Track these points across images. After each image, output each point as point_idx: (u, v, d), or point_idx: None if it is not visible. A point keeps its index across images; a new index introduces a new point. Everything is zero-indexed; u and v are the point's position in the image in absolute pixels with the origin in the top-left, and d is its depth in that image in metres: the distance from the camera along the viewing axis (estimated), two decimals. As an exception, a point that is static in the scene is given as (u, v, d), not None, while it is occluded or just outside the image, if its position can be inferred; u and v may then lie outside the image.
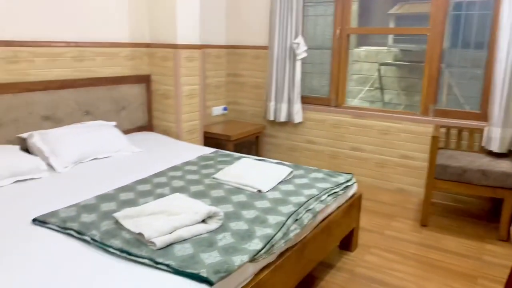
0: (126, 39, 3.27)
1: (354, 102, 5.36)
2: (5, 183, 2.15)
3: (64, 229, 1.67)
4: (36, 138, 2.54)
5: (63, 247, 1.55)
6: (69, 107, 2.87)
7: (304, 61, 4.10)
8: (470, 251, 2.64)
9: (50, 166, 2.45)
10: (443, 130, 3.34)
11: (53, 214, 1.79)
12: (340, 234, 2.37)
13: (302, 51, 3.79)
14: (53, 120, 2.78)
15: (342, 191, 2.32)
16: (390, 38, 5.02)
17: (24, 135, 2.59)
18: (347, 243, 2.60)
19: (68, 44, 2.85)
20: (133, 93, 3.34)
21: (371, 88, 5.34)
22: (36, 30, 2.66)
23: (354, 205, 2.50)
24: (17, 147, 2.43)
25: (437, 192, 3.45)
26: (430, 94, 3.46)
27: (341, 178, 2.42)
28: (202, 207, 1.73)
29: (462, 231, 2.93)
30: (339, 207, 2.33)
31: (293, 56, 3.85)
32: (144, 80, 3.43)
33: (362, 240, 2.76)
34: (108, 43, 3.12)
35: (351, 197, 2.49)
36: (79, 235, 1.63)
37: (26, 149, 2.56)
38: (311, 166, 4.05)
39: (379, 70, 5.17)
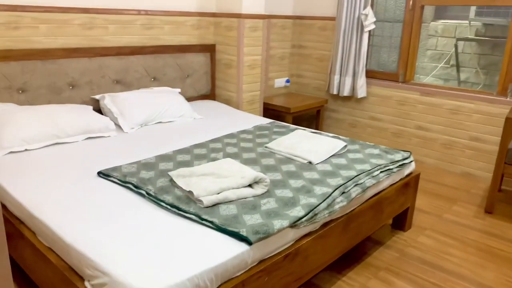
0: (193, 9, 3.36)
1: (426, 79, 5.06)
2: (78, 139, 2.37)
3: (124, 183, 1.82)
4: (107, 100, 2.75)
5: (121, 199, 1.69)
6: (138, 73, 3.05)
7: (372, 33, 3.94)
8: (538, 244, 2.45)
9: (118, 126, 2.65)
10: (521, 112, 3.06)
11: (115, 168, 1.95)
12: (392, 212, 2.31)
13: (370, 22, 3.63)
14: (123, 84, 2.98)
15: (397, 169, 2.24)
16: (472, 10, 4.60)
17: (97, 96, 2.81)
18: (400, 223, 2.54)
19: (138, 12, 3.00)
20: (198, 62, 3.45)
21: (447, 65, 4.99)
22: (111, -2, 2.84)
23: (410, 184, 2.41)
24: (91, 107, 2.64)
25: (507, 179, 3.20)
26: (511, 73, 3.16)
27: (398, 156, 2.33)
28: (250, 172, 1.79)
29: (532, 222, 2.71)
30: (392, 184, 2.26)
31: (361, 28, 3.71)
32: (209, 49, 3.52)
33: (418, 221, 2.67)
34: (176, 12, 3.24)
35: (408, 176, 2.41)
36: (137, 189, 1.77)
37: (98, 109, 2.78)
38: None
39: (456, 45, 4.80)
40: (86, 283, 1.31)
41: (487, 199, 2.80)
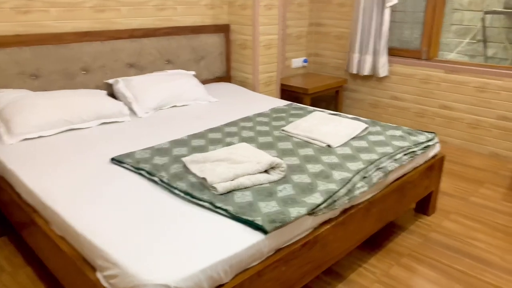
0: (206, -13, 3.25)
1: (450, 56, 4.84)
2: (92, 125, 2.34)
3: (137, 169, 1.78)
4: (121, 84, 2.70)
5: (134, 186, 1.65)
6: (151, 56, 2.98)
7: (394, 9, 3.75)
8: None
9: (132, 111, 2.60)
10: (555, 89, 2.88)
11: (129, 155, 1.91)
12: (415, 196, 2.21)
13: (392, -3, 3.45)
14: (136, 68, 2.92)
15: (421, 151, 2.13)
16: (501, -19, 4.34)
17: (110, 81, 2.76)
18: (424, 207, 2.44)
19: (150, -7, 2.92)
20: (212, 43, 3.36)
21: (473, 41, 4.74)
22: (121, -21, 2.76)
23: (434, 166, 2.30)
24: (104, 92, 2.60)
25: (540, 160, 3.05)
26: (544, 47, 2.96)
27: (422, 137, 2.22)
28: (265, 158, 1.72)
29: None
30: (416, 167, 2.16)
31: (382, 3, 3.53)
32: (223, 29, 3.42)
33: (442, 205, 2.56)
34: (189, -8, 3.14)
35: (432, 158, 2.29)
36: (150, 175, 1.72)
37: (112, 94, 2.74)
38: (394, 124, 3.81)
39: (483, 19, 4.54)
40: (98, 274, 1.28)
41: (517, 181, 2.67)
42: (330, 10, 4.03)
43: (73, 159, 1.89)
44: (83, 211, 1.47)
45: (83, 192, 1.59)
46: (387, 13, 3.53)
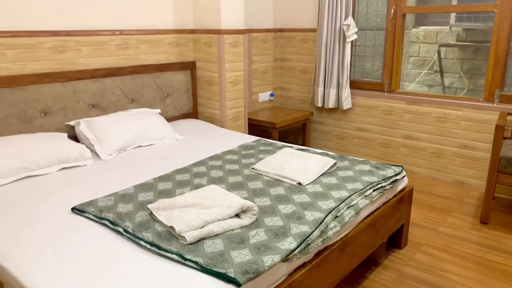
0: (170, 26, 3.25)
1: (410, 86, 5.03)
2: (52, 170, 2.22)
3: (100, 219, 1.68)
4: (83, 126, 2.60)
5: (98, 238, 1.55)
6: (114, 95, 2.91)
7: (355, 43, 3.88)
8: (537, 254, 2.37)
9: (95, 154, 2.50)
10: (510, 118, 3.01)
11: (91, 203, 1.81)
12: (387, 231, 2.21)
13: (352, 33, 3.57)
14: (99, 108, 2.84)
15: (390, 186, 2.15)
16: (452, 16, 4.61)
17: (72, 122, 2.66)
18: (396, 240, 2.44)
19: (113, 32, 2.87)
20: (178, 80, 3.33)
21: (430, 72, 4.97)
22: (82, 20, 2.71)
23: (404, 199, 2.32)
24: (65, 134, 2.50)
25: (501, 186, 3.15)
26: (496, 78, 3.12)
27: (390, 171, 2.24)
28: (236, 201, 1.66)
29: (529, 230, 2.64)
30: (386, 202, 2.17)
31: (343, 38, 3.65)
32: (189, 66, 3.40)
33: (413, 236, 2.57)
34: (153, 30, 3.12)
35: (401, 191, 2.31)
36: (113, 225, 1.63)
37: (74, 136, 2.63)
38: (361, 155, 3.87)
39: (439, 51, 4.79)
40: None
41: (482, 210, 2.73)
42: (294, 45, 4.12)
43: (30, 210, 1.77)
44: (43, 273, 1.35)
45: (43, 250, 1.47)
46: (348, 47, 3.64)
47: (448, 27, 4.70)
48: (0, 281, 1.45)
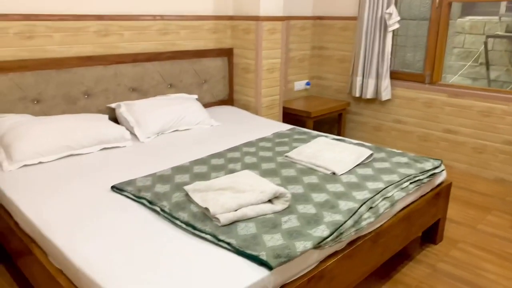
0: (210, 12, 3.27)
1: (453, 79, 4.85)
2: (93, 150, 2.31)
3: (138, 198, 1.74)
4: (123, 108, 2.68)
5: (135, 216, 1.61)
6: (154, 80, 2.98)
7: (396, 33, 3.77)
8: None
9: (134, 136, 2.58)
10: (561, 114, 2.85)
11: (130, 182, 1.87)
12: (422, 225, 2.16)
13: (394, 21, 3.46)
14: (139, 92, 2.91)
15: (428, 179, 2.09)
16: (503, 5, 4.37)
17: (113, 105, 2.75)
18: (431, 235, 2.38)
19: (154, 17, 2.93)
20: (215, 67, 3.36)
21: (475, 64, 4.76)
22: (125, 4, 2.77)
23: (441, 194, 2.25)
24: (106, 116, 2.58)
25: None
26: (548, 72, 2.95)
27: (428, 164, 2.18)
28: (269, 187, 1.67)
29: None
30: (423, 196, 2.12)
31: (384, 27, 3.55)
32: (227, 53, 3.42)
33: (449, 233, 2.50)
34: (192, 16, 3.15)
35: (439, 185, 2.25)
36: (151, 205, 1.68)
37: (114, 118, 2.72)
38: (398, 148, 3.78)
39: (485, 43, 4.57)
40: (96, 312, 1.23)
41: (525, 209, 2.61)
42: (333, 33, 4.05)
43: (73, 187, 1.85)
44: (82, 244, 1.42)
45: (83, 224, 1.55)
46: (389, 37, 3.54)
47: (497, 17, 4.47)
48: (45, 251, 1.54)
